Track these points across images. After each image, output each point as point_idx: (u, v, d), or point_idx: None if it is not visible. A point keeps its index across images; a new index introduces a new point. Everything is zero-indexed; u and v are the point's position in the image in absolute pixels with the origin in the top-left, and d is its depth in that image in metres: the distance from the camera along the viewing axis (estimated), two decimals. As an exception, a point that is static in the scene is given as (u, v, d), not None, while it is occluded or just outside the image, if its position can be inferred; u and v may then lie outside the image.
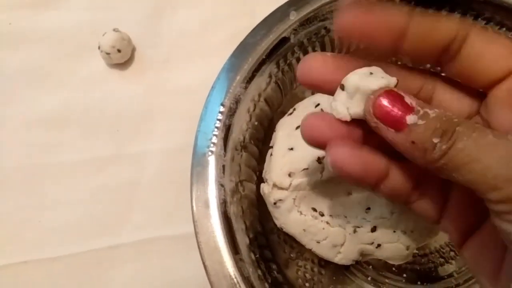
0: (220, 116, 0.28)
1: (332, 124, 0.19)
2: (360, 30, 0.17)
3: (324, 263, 0.30)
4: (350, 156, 0.18)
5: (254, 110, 0.30)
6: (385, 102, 0.17)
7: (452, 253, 0.32)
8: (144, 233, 0.35)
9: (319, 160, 0.27)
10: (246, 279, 0.25)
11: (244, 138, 0.29)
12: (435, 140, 0.15)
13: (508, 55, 0.17)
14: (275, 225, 0.29)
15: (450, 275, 0.32)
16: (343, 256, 0.28)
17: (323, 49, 0.32)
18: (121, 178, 0.37)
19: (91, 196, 0.36)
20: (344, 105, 0.18)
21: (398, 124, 0.16)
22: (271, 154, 0.29)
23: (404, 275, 0.32)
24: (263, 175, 0.29)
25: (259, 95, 0.30)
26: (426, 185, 0.20)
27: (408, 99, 0.17)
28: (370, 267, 0.32)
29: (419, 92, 0.19)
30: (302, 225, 0.27)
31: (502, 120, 0.17)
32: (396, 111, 0.16)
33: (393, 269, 0.32)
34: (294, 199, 0.27)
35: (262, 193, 0.29)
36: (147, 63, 0.40)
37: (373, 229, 0.27)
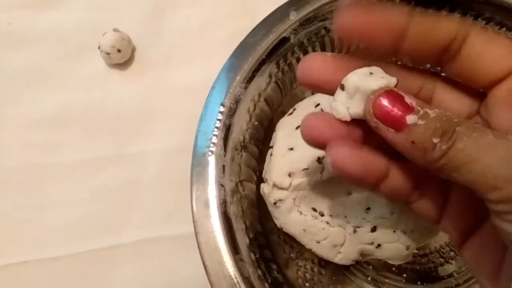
0: (220, 116, 0.28)
1: (332, 124, 0.19)
2: (360, 30, 0.17)
3: (324, 263, 0.30)
4: (350, 156, 0.18)
5: (254, 110, 0.30)
6: (385, 102, 0.17)
7: (452, 253, 0.32)
8: (144, 233, 0.35)
9: (319, 160, 0.27)
10: (246, 279, 0.25)
11: (244, 138, 0.29)
12: (435, 140, 0.16)
13: (508, 55, 0.17)
14: (275, 225, 0.29)
15: (450, 275, 0.32)
16: (343, 256, 0.28)
17: (323, 49, 0.32)
18: (121, 178, 0.37)
19: (91, 196, 0.36)
20: (344, 105, 0.18)
21: (398, 124, 0.16)
22: (271, 154, 0.29)
23: (404, 275, 0.32)
24: (263, 175, 0.29)
25: (259, 95, 0.30)
26: (426, 185, 0.20)
27: (408, 99, 0.17)
28: (370, 267, 0.32)
29: (419, 92, 0.19)
30: (302, 225, 0.27)
31: (502, 120, 0.17)
32: (396, 111, 0.16)
33: (393, 269, 0.32)
34: (294, 199, 0.27)
35: (262, 193, 0.29)
36: (147, 63, 0.40)
37: (373, 229, 0.27)
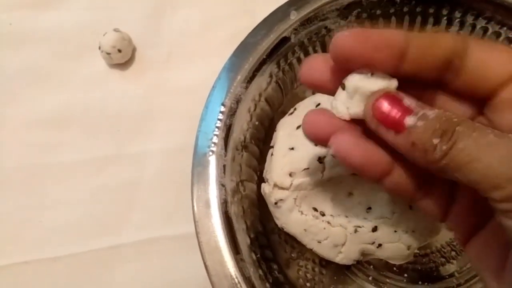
0: (220, 116, 0.28)
1: (333, 120, 0.19)
2: (359, 51, 0.17)
3: (325, 263, 0.30)
4: (354, 145, 0.18)
5: (254, 110, 0.30)
6: (384, 104, 0.17)
7: (453, 253, 0.32)
8: (144, 233, 0.35)
9: (320, 160, 0.27)
10: (247, 279, 0.25)
11: (245, 138, 0.29)
12: (435, 141, 0.16)
13: (511, 59, 0.17)
14: (276, 225, 0.29)
15: (451, 275, 0.32)
16: (344, 256, 0.28)
17: (323, 48, 0.32)
18: (122, 178, 0.37)
19: (92, 196, 0.36)
20: (344, 104, 0.18)
21: (397, 126, 0.17)
22: (272, 154, 0.29)
23: (405, 275, 0.32)
24: (263, 175, 0.29)
25: (260, 95, 0.30)
26: (432, 183, 0.20)
27: (407, 101, 0.17)
28: (371, 267, 0.32)
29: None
30: (303, 225, 0.27)
31: (509, 121, 0.17)
32: (395, 113, 0.17)
33: (394, 269, 0.32)
34: (295, 199, 0.27)
35: (263, 193, 0.29)
36: (148, 63, 0.40)
37: (374, 229, 0.27)
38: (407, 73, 0.18)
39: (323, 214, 0.28)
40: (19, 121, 0.39)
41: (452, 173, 0.16)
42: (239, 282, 0.24)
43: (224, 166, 0.27)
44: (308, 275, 0.30)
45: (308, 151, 0.27)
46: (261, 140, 0.31)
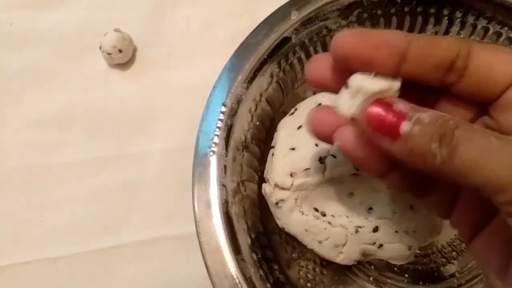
0: (221, 116, 0.28)
1: (338, 116, 0.19)
2: (359, 52, 0.17)
3: (326, 263, 0.30)
4: (359, 139, 0.18)
5: (255, 110, 0.30)
6: (376, 111, 0.16)
7: (454, 253, 0.32)
8: (145, 233, 0.35)
9: (321, 160, 0.27)
10: (248, 279, 0.25)
11: (245, 138, 0.29)
12: (434, 146, 0.15)
13: None
14: (277, 225, 0.29)
15: (452, 275, 0.32)
16: (345, 256, 0.28)
17: (324, 49, 0.32)
18: (122, 178, 0.37)
19: (92, 196, 0.36)
20: (346, 104, 0.18)
21: (393, 133, 0.16)
22: (272, 154, 0.29)
23: (406, 275, 0.32)
24: (264, 175, 0.29)
25: (261, 95, 0.30)
26: (437, 180, 0.19)
27: (400, 105, 0.16)
28: (372, 267, 0.32)
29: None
30: (304, 225, 0.27)
31: None
32: (389, 119, 0.16)
33: (395, 269, 0.32)
34: (296, 199, 0.27)
35: (263, 193, 0.29)
36: (149, 63, 0.40)
37: (375, 229, 0.27)
38: (409, 74, 0.18)
39: (324, 215, 0.28)
40: (20, 121, 0.39)
41: (453, 178, 0.16)
42: (240, 282, 0.24)
43: (225, 166, 0.27)
44: (309, 275, 0.30)
45: (309, 151, 0.27)
46: (262, 140, 0.31)
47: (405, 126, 0.16)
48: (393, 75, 0.18)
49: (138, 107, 0.39)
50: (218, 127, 0.28)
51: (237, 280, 0.24)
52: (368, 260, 0.30)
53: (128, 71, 0.40)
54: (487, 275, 0.19)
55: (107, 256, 0.35)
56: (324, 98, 0.29)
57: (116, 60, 0.39)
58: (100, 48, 0.39)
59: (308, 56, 0.32)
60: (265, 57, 0.29)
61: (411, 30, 0.32)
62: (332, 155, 0.26)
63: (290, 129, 0.29)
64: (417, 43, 0.17)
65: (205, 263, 0.25)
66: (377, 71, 0.18)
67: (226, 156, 0.27)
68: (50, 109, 0.39)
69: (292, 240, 0.29)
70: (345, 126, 0.18)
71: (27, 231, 0.36)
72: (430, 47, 0.17)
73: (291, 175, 0.27)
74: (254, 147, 0.30)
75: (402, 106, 0.16)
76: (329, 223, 0.27)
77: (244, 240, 0.26)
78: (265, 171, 0.29)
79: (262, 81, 0.30)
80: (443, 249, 0.33)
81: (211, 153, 0.27)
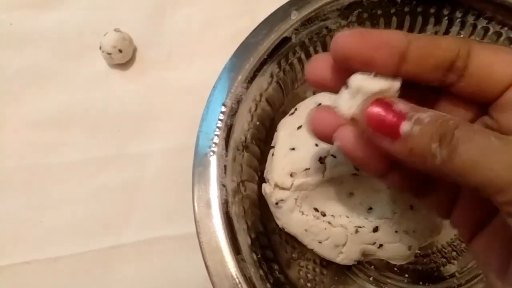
0: (221, 116, 0.28)
1: (338, 116, 0.19)
2: (359, 51, 0.17)
3: (326, 263, 0.30)
4: (359, 139, 0.18)
5: (255, 110, 0.30)
6: (376, 111, 0.16)
7: (454, 253, 0.32)
8: (145, 233, 0.35)
9: (321, 160, 0.27)
10: (248, 279, 0.25)
11: (245, 138, 0.29)
12: (434, 146, 0.15)
13: None
14: (277, 225, 0.29)
15: (452, 275, 0.32)
16: (345, 256, 0.28)
17: (324, 49, 0.32)
18: (123, 178, 0.37)
19: (92, 196, 0.36)
20: (346, 104, 0.18)
21: (393, 133, 0.16)
22: (272, 154, 0.29)
23: (406, 275, 0.32)
24: (264, 175, 0.29)
25: (261, 95, 0.30)
26: (437, 180, 0.19)
27: (400, 105, 0.16)
28: (372, 267, 0.32)
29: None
30: (304, 225, 0.27)
31: None
32: (389, 120, 0.16)
33: (395, 269, 0.32)
34: (296, 199, 0.27)
35: (263, 193, 0.29)
36: (149, 63, 0.40)
37: (375, 229, 0.27)
38: (409, 74, 0.18)
39: (324, 215, 0.28)
40: (20, 121, 0.39)
41: (453, 178, 0.16)
42: (240, 283, 0.24)
43: (225, 166, 0.27)
44: (309, 275, 0.30)
45: (309, 151, 0.27)
46: (262, 140, 0.31)
47: (405, 126, 0.16)
48: (393, 75, 0.18)
49: (138, 107, 0.39)
50: (218, 127, 0.28)
51: (237, 280, 0.24)
52: (368, 260, 0.30)
53: (128, 71, 0.40)
54: (487, 275, 0.19)
55: (107, 256, 0.35)
56: (324, 98, 0.29)
57: (116, 60, 0.39)
58: (100, 48, 0.39)
59: (308, 56, 0.32)
60: (265, 57, 0.29)
61: (411, 30, 0.32)
62: (332, 155, 0.26)
63: (290, 129, 0.29)
64: (417, 43, 0.17)
65: (205, 263, 0.25)
66: (377, 71, 0.18)
67: (226, 156, 0.27)
68: (50, 109, 0.39)
69: (292, 240, 0.29)
70: (345, 126, 0.18)
71: (27, 231, 0.36)
72: (430, 47, 0.17)
73: (291, 175, 0.27)
74: (254, 147, 0.30)
75: (402, 106, 0.16)
76: (329, 223, 0.27)
77: (244, 240, 0.26)
78: (265, 171, 0.29)
79: (262, 81, 0.30)
80: (443, 249, 0.33)
81: (211, 153, 0.27)
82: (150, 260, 0.34)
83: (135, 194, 0.36)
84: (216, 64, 0.29)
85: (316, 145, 0.27)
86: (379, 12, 0.31)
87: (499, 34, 0.30)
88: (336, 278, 0.31)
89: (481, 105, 0.19)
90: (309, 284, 0.29)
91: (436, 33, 0.31)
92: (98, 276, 0.34)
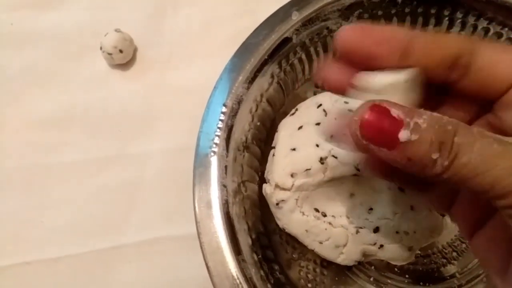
0: (222, 117, 0.28)
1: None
2: (361, 44, 0.17)
3: (326, 264, 0.30)
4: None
5: (256, 110, 0.30)
6: (371, 121, 0.15)
7: (454, 254, 0.32)
8: (146, 233, 0.35)
9: (322, 160, 0.26)
10: (248, 279, 0.25)
11: (246, 139, 0.29)
12: (434, 156, 0.15)
13: None
14: (278, 225, 0.29)
15: (453, 276, 0.32)
16: (346, 256, 0.28)
17: (325, 49, 0.32)
18: (123, 178, 0.37)
19: (93, 196, 0.36)
20: (355, 104, 0.18)
21: (390, 143, 0.15)
22: (273, 155, 0.29)
23: (407, 276, 0.32)
24: (265, 176, 0.29)
25: (261, 96, 0.30)
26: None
27: (395, 111, 0.15)
28: (373, 267, 0.32)
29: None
30: (305, 225, 0.27)
31: None
32: (386, 128, 0.15)
33: (396, 269, 0.32)
34: (297, 199, 0.27)
35: (264, 194, 0.29)
36: (149, 64, 0.40)
37: (376, 230, 0.27)
38: None
39: (324, 215, 0.28)
40: (20, 121, 0.39)
41: (454, 183, 0.15)
42: (240, 283, 0.24)
43: (225, 166, 0.27)
44: (309, 275, 0.30)
45: (310, 151, 0.27)
46: (263, 141, 0.31)
47: (403, 135, 0.15)
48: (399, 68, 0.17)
49: (139, 107, 0.39)
50: (218, 128, 0.28)
51: (238, 281, 0.24)
52: (368, 260, 0.30)
53: (129, 71, 0.40)
54: (487, 272, 0.19)
55: (107, 257, 0.35)
56: (325, 98, 0.29)
57: (116, 60, 0.39)
58: (101, 48, 0.39)
59: (309, 56, 0.32)
60: (266, 57, 0.29)
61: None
62: (333, 156, 0.26)
63: (290, 130, 0.29)
64: (421, 39, 0.17)
65: (206, 264, 0.25)
66: (380, 67, 0.18)
67: (227, 156, 0.27)
68: (50, 109, 0.39)
69: (292, 241, 0.29)
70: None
71: (27, 231, 0.36)
72: (434, 43, 0.17)
73: (291, 176, 0.27)
74: (255, 148, 0.30)
75: (398, 110, 0.15)
76: (330, 223, 0.27)
77: (245, 241, 0.26)
78: (266, 172, 0.29)
79: (263, 82, 0.30)
80: (444, 250, 0.33)
81: (212, 154, 0.27)
82: (151, 260, 0.34)
83: (135, 194, 0.36)
84: (217, 65, 0.29)
85: (317, 145, 0.27)
86: (379, 12, 0.31)
87: (499, 35, 0.29)
88: (336, 278, 0.31)
89: (484, 102, 0.19)
90: (309, 285, 0.29)
91: (436, 33, 0.31)
92: (98, 276, 0.34)
